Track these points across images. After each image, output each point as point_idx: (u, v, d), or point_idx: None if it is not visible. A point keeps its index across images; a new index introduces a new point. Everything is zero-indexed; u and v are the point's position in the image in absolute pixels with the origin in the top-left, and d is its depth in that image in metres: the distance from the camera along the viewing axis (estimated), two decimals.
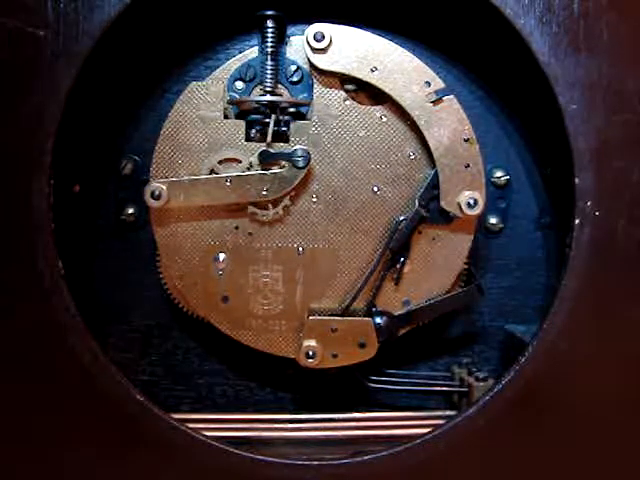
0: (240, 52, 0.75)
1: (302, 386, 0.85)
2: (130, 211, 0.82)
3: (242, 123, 0.74)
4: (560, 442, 0.73)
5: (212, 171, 0.74)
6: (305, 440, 0.78)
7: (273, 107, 0.73)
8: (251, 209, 0.74)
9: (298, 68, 0.74)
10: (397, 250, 0.75)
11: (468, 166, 0.73)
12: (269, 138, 0.73)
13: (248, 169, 0.74)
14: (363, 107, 0.74)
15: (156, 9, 0.76)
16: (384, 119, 0.75)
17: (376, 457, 0.71)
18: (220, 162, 0.74)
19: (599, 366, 0.72)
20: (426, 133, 0.73)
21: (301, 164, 0.73)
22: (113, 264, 0.83)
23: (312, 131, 0.74)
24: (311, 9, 0.77)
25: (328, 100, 0.74)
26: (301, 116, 0.75)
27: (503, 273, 0.85)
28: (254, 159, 0.73)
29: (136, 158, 0.81)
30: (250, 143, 0.74)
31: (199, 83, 0.74)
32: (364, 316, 0.76)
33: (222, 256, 0.76)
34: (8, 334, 0.70)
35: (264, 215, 0.75)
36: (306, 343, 0.75)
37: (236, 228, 0.75)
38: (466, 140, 0.73)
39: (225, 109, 0.74)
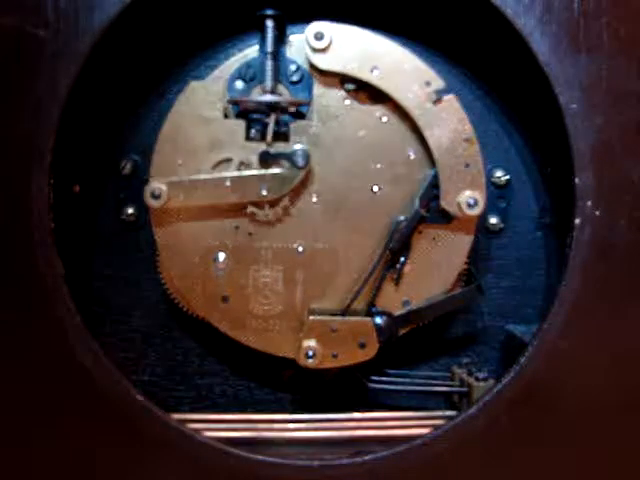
0: (240, 52, 0.75)
1: (302, 386, 0.85)
2: (130, 211, 0.82)
3: (242, 123, 0.74)
4: (560, 442, 0.73)
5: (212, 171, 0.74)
6: (305, 440, 0.78)
7: (273, 107, 0.73)
8: (251, 209, 0.74)
9: (298, 68, 0.74)
10: (397, 250, 0.75)
11: (468, 166, 0.73)
12: (269, 138, 0.73)
13: (239, 168, 0.73)
14: (363, 107, 0.74)
15: (156, 9, 0.76)
16: (384, 119, 0.75)
17: (376, 457, 0.71)
18: (220, 162, 0.74)
19: (599, 366, 0.72)
20: (426, 133, 0.73)
21: (301, 164, 0.73)
22: (113, 264, 0.83)
23: (312, 131, 0.74)
24: (311, 9, 0.77)
25: (328, 100, 0.74)
26: (301, 116, 0.75)
27: (503, 273, 0.85)
28: (247, 158, 0.73)
29: (136, 158, 0.81)
30: (250, 143, 0.74)
31: (199, 83, 0.74)
32: (364, 316, 0.76)
33: (222, 256, 0.76)
34: (8, 334, 0.70)
35: (264, 215, 0.75)
36: (306, 343, 0.75)
37: (236, 228, 0.75)
38: (466, 140, 0.73)
39: (225, 109, 0.74)
